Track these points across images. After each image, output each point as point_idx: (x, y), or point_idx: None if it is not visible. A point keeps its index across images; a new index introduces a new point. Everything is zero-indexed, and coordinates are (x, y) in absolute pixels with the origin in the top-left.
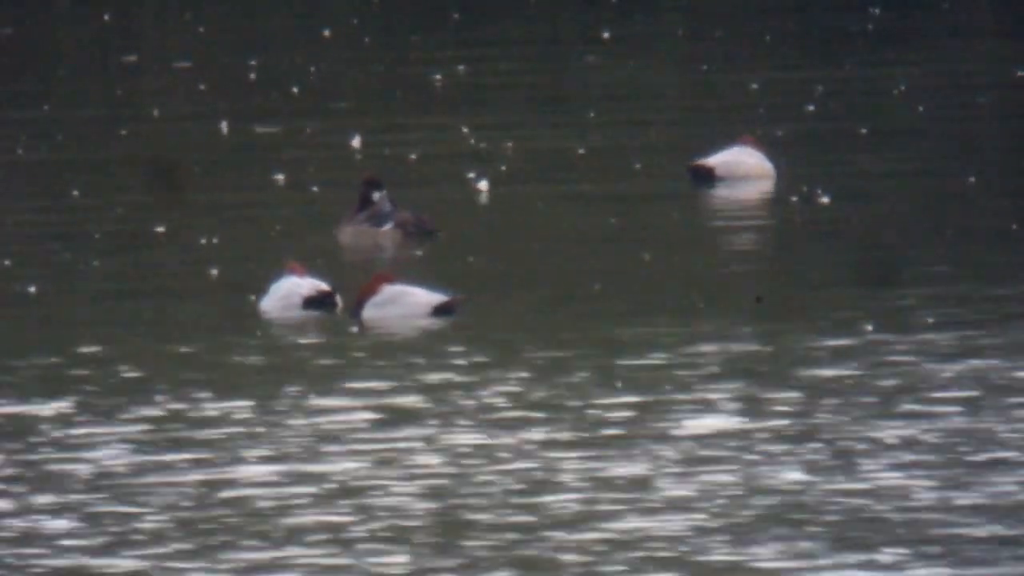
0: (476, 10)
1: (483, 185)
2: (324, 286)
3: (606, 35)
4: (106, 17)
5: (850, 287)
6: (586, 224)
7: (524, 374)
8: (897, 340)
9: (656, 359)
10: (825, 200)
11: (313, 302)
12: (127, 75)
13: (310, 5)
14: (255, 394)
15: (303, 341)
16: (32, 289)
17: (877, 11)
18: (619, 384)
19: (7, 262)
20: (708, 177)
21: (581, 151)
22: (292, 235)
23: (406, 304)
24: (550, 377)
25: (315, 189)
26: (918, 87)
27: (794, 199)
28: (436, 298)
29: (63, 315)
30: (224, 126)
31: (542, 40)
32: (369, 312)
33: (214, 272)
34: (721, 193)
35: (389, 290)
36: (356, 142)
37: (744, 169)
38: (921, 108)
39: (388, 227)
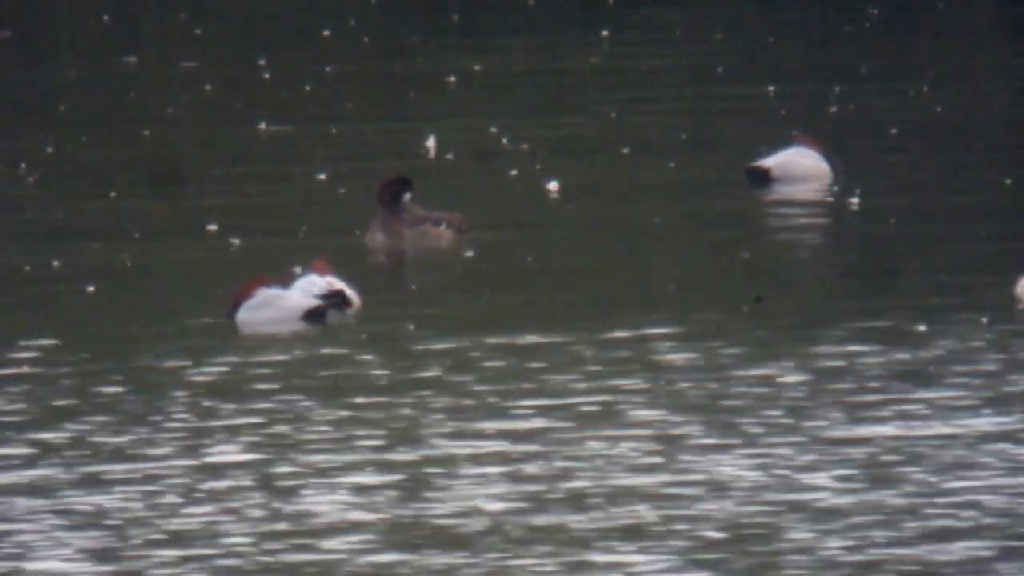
0: (474, 10)
1: (553, 185)
2: (337, 285)
3: (604, 33)
4: (105, 17)
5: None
6: (642, 221)
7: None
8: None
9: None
10: (855, 201)
11: (323, 300)
12: (131, 76)
13: (306, 5)
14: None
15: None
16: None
17: (875, 11)
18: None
19: (55, 262)
20: (764, 178)
21: (626, 150)
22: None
23: (278, 308)
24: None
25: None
26: (934, 87)
27: (853, 200)
28: (308, 302)
29: (77, 308)
30: (263, 126)
31: (543, 39)
32: (243, 315)
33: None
34: (777, 193)
35: (263, 293)
36: (431, 142)
37: (800, 170)
38: (939, 109)
39: (444, 227)
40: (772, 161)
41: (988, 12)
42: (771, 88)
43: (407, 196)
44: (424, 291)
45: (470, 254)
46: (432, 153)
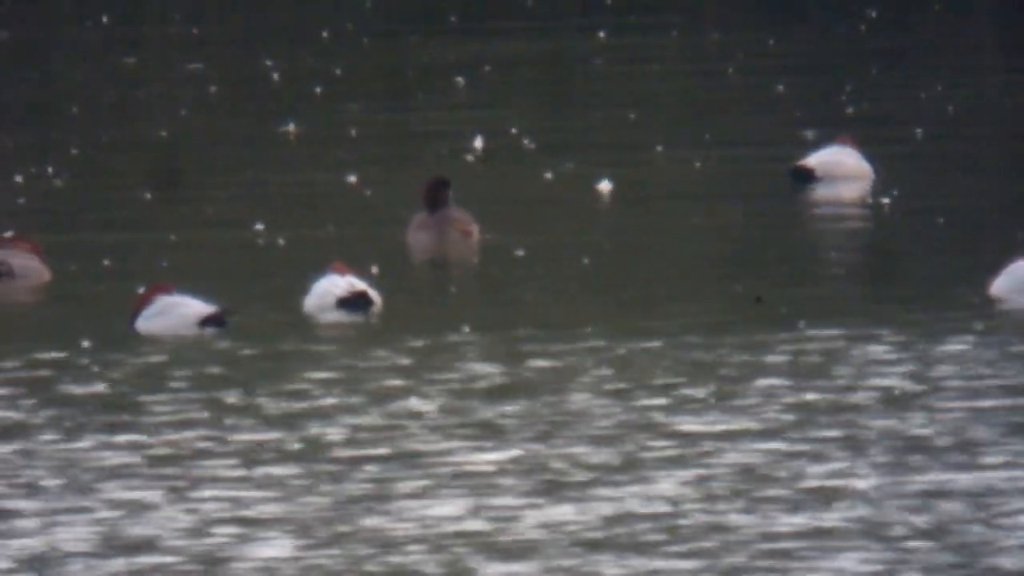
0: (472, 10)
1: (604, 186)
2: (360, 286)
3: (601, 33)
4: (104, 19)
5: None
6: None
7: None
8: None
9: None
10: (886, 201)
11: (347, 303)
12: (136, 77)
13: (303, 6)
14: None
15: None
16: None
17: (873, 13)
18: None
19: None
20: (809, 177)
21: (659, 148)
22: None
23: (175, 315)
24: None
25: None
26: (945, 86)
27: (885, 201)
28: (205, 309)
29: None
30: (292, 127)
31: (543, 39)
32: (142, 323)
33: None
34: (819, 193)
35: (162, 301)
36: (478, 142)
37: (843, 169)
38: (951, 108)
39: (473, 227)
40: (816, 160)
41: (986, 13)
42: (780, 87)
43: (450, 195)
44: (440, 292)
45: (520, 253)
46: (480, 153)
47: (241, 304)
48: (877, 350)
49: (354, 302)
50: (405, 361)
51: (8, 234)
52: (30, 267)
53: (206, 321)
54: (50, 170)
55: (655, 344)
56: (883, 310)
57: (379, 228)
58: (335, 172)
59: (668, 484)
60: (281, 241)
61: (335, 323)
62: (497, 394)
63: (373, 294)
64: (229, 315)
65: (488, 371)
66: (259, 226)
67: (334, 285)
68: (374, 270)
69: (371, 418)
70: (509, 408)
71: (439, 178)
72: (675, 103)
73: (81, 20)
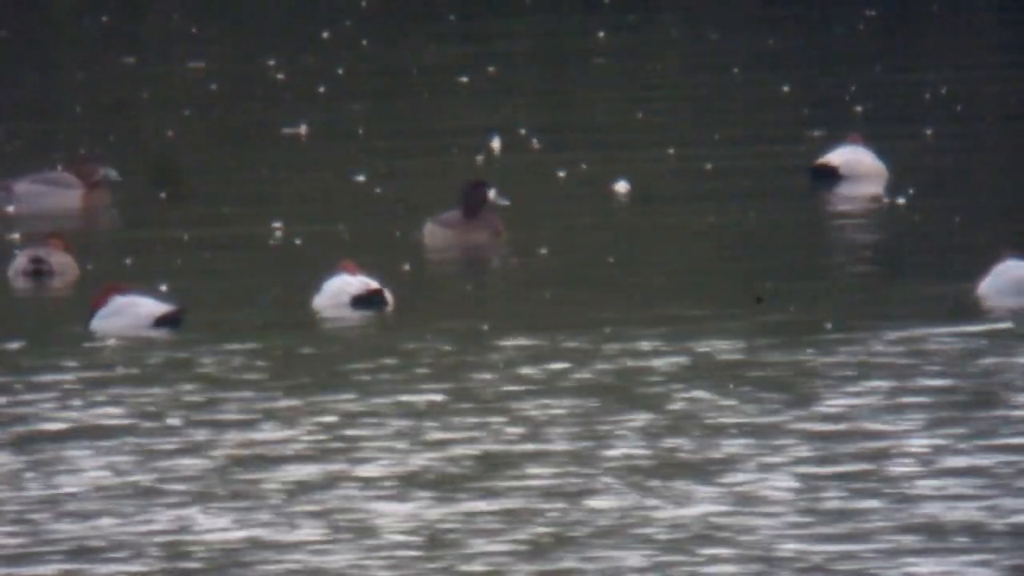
0: (471, 10)
1: (621, 186)
2: (374, 284)
3: (600, 33)
4: (104, 18)
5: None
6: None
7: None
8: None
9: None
10: (901, 201)
11: (362, 301)
12: (137, 76)
13: (300, 6)
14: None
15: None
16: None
17: (873, 12)
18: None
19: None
20: (831, 176)
21: (671, 150)
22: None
23: (130, 315)
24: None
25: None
26: (951, 85)
27: (900, 201)
28: (160, 309)
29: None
30: (303, 128)
31: (544, 38)
32: (97, 323)
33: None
34: (842, 192)
35: (117, 301)
36: (496, 143)
37: (864, 168)
38: (959, 108)
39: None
40: (838, 159)
41: (985, 12)
42: (785, 88)
43: (491, 195)
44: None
45: (544, 251)
46: (496, 153)
47: (256, 302)
48: (874, 350)
49: (369, 300)
50: (429, 360)
51: (41, 233)
52: (66, 264)
53: (161, 321)
54: (59, 168)
55: (679, 345)
56: (884, 310)
57: (394, 226)
58: (345, 171)
59: (704, 487)
60: (298, 240)
61: (351, 320)
62: (531, 391)
63: (387, 293)
64: (184, 314)
65: (527, 371)
66: (277, 225)
67: (348, 283)
68: (405, 267)
69: (399, 418)
70: (547, 404)
71: (479, 181)
72: (681, 103)
73: (80, 18)
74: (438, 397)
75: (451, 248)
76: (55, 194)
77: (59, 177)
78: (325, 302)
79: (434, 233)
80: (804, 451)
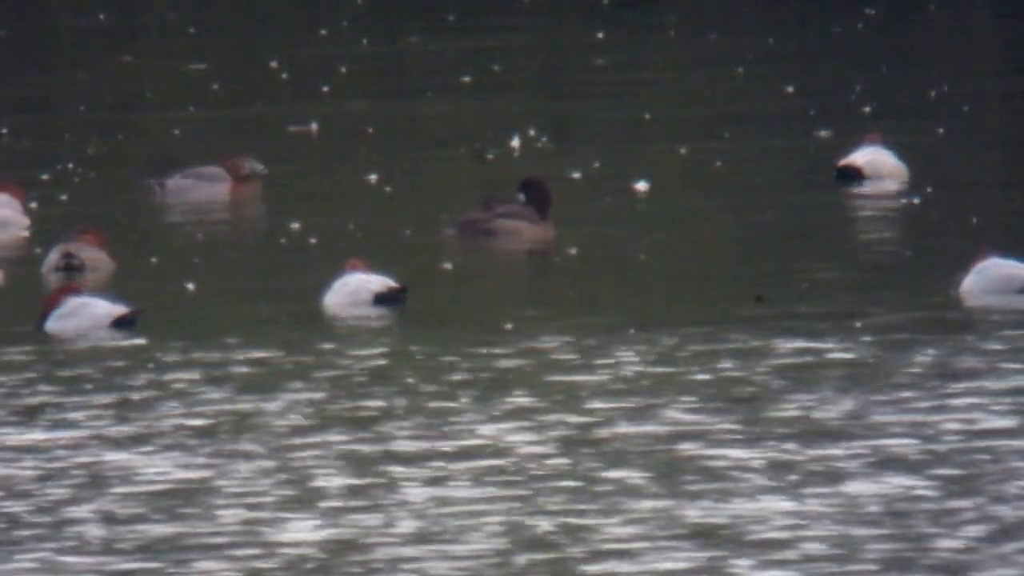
0: (470, 10)
1: (641, 186)
2: (392, 283)
3: (600, 35)
4: (102, 16)
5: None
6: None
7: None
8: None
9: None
10: (916, 201)
11: (384, 298)
12: (139, 76)
13: (298, 6)
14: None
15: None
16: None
17: (872, 11)
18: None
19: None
20: (856, 176)
21: (683, 150)
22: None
23: (86, 316)
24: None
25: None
26: (955, 85)
27: (916, 201)
28: (116, 310)
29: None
30: (314, 127)
31: (544, 38)
32: (52, 324)
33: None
34: (864, 191)
35: (72, 302)
36: (515, 142)
37: (887, 168)
38: (966, 108)
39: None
40: (862, 160)
41: (984, 12)
42: (789, 88)
43: (520, 196)
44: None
45: (573, 251)
46: (516, 153)
47: (267, 301)
48: (871, 350)
49: (393, 298)
50: (450, 358)
51: (77, 227)
52: (99, 260)
53: (117, 322)
54: (70, 166)
55: (704, 346)
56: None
57: (408, 226)
58: (357, 170)
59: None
60: (312, 240)
61: (369, 318)
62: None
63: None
64: (139, 315)
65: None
66: (294, 224)
67: (367, 281)
68: (447, 266)
69: (424, 415)
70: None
71: (540, 179)
72: (687, 103)
73: (79, 16)
74: (464, 398)
75: (524, 243)
76: (203, 187)
77: (208, 171)
78: (341, 300)
79: (507, 227)
80: (868, 453)
